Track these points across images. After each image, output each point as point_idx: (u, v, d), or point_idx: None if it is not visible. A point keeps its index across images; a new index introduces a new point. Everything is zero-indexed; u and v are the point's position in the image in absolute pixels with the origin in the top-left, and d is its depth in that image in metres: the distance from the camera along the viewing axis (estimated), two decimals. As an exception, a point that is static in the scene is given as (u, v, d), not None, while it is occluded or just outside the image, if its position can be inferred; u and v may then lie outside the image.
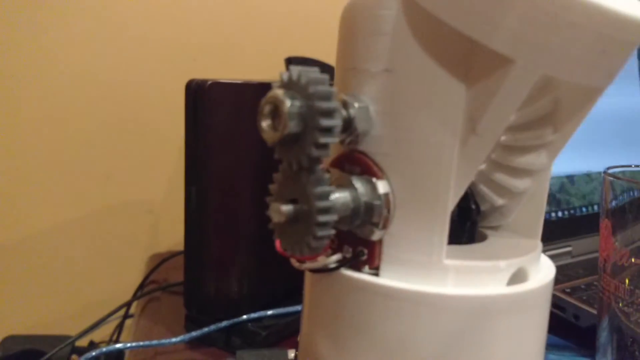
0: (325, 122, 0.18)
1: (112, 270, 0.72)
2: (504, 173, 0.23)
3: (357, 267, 0.22)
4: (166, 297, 0.61)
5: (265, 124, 0.19)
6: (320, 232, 0.19)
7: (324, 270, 0.22)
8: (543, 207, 0.23)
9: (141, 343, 0.49)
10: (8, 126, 0.68)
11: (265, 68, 0.76)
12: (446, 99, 0.19)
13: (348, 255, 0.22)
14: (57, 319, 0.70)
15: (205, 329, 0.51)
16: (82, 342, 0.67)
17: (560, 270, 0.59)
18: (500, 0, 0.17)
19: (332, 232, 0.20)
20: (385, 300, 0.20)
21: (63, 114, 0.70)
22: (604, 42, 0.18)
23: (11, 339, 0.65)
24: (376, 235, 0.21)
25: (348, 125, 0.21)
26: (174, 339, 0.50)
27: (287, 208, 0.20)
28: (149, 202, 0.74)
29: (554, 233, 0.61)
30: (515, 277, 0.21)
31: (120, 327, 0.65)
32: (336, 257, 0.22)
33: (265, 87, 0.53)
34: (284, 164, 0.20)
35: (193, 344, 0.51)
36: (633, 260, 0.41)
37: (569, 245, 0.61)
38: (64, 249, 0.71)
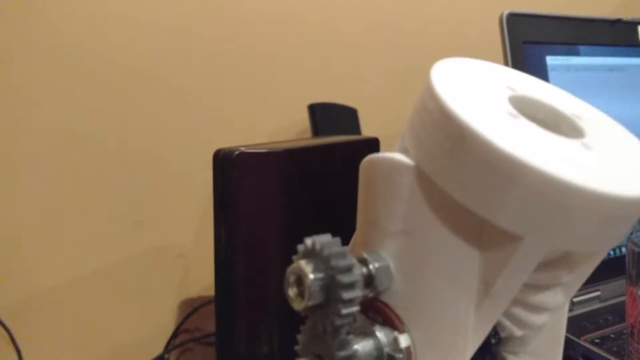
0: (346, 295, 0.19)
1: (144, 318, 0.74)
2: (522, 308, 0.23)
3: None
4: (199, 348, 0.62)
5: (292, 292, 0.20)
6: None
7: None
8: (562, 335, 0.24)
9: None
10: (36, 170, 0.70)
11: (289, 112, 0.77)
12: (461, 262, 0.20)
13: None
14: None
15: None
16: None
17: (588, 317, 0.59)
18: (503, 185, 0.18)
19: None
20: None
21: (92, 160, 0.71)
22: (607, 220, 0.19)
23: (52, 389, 0.67)
24: None
25: (369, 281, 0.22)
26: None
27: None
28: (179, 246, 0.76)
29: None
30: None
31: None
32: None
33: (290, 153, 0.54)
34: (308, 323, 0.21)
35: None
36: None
37: (597, 290, 0.61)
38: (94, 298, 0.73)
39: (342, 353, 0.20)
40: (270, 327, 0.53)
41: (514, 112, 0.21)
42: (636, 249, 0.42)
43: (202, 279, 0.77)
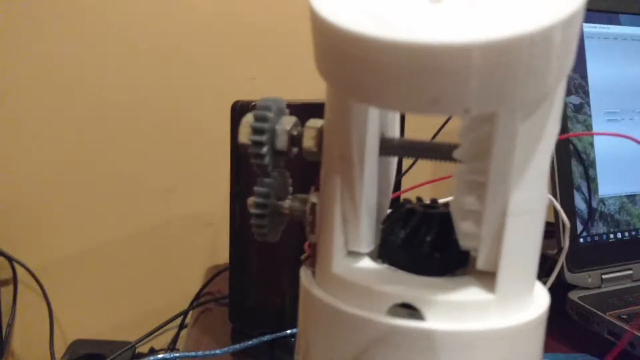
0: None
1: (172, 281, 0.75)
2: (456, 213, 0.22)
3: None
4: (217, 309, 0.63)
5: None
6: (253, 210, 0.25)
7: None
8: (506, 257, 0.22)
9: (187, 353, 0.51)
10: (76, 141, 0.73)
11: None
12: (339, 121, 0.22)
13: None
14: (121, 325, 0.74)
15: (249, 342, 0.52)
16: (144, 349, 0.70)
17: (618, 294, 0.56)
18: (325, 45, 0.19)
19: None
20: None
21: (127, 131, 0.74)
22: (421, 72, 0.17)
23: (78, 342, 0.70)
24: (311, 239, 0.24)
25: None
26: (217, 351, 0.51)
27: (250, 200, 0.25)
28: (209, 215, 0.77)
29: (614, 255, 0.58)
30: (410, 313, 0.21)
31: (177, 336, 0.68)
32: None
33: (306, 107, 0.54)
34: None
35: (237, 355, 0.53)
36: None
37: (630, 269, 0.58)
38: (127, 260, 0.75)
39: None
40: (282, 286, 0.53)
41: None
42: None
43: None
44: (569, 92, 0.57)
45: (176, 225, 0.75)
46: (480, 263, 0.21)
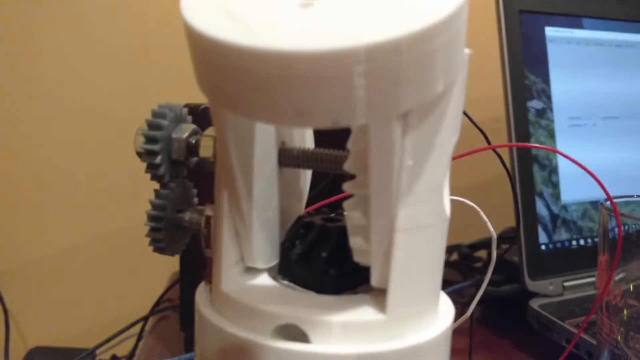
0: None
1: (136, 286, 0.74)
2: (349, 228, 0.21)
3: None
4: (175, 316, 0.62)
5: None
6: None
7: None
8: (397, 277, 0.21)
9: (135, 363, 0.50)
10: (34, 144, 0.71)
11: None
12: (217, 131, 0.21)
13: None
14: (80, 332, 0.73)
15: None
16: (105, 356, 0.69)
17: (580, 302, 0.55)
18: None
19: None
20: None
21: (88, 134, 0.72)
22: (264, 79, 0.16)
23: (37, 350, 0.69)
24: (207, 253, 0.23)
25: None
26: (168, 360, 0.50)
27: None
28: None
29: (576, 262, 0.57)
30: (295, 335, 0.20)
31: (137, 343, 0.67)
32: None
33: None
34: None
35: (189, 365, 0.52)
36: (628, 301, 0.38)
37: (592, 276, 0.57)
38: (89, 265, 0.74)
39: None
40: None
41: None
42: (607, 215, 0.39)
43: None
44: (530, 97, 0.56)
45: (139, 229, 0.74)
46: (374, 280, 0.20)
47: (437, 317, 0.22)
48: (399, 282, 0.20)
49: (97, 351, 0.66)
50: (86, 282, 0.74)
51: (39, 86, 0.71)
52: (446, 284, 0.59)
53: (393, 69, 0.16)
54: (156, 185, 0.82)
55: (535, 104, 0.56)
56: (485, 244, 0.71)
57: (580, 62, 0.60)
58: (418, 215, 0.19)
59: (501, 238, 0.70)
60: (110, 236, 0.74)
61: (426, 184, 0.19)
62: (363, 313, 0.20)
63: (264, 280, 0.22)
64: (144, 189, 0.74)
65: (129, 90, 0.73)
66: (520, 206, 0.55)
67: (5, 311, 0.69)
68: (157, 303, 0.66)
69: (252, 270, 0.22)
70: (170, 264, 0.75)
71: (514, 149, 0.54)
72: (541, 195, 0.56)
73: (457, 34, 0.17)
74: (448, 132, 0.19)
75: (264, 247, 0.22)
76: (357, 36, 0.15)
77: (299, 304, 0.20)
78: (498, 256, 0.67)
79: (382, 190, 0.19)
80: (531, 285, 0.55)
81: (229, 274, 0.21)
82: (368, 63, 0.15)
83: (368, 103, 0.16)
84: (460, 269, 0.69)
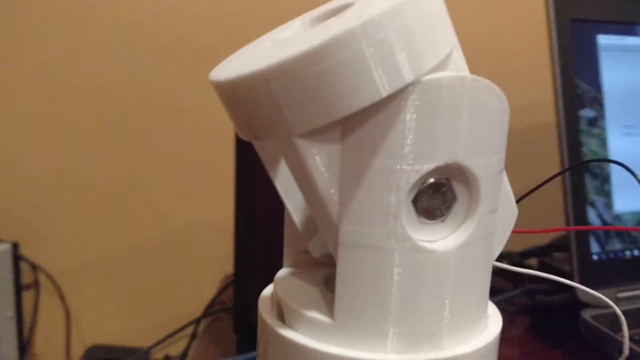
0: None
1: (189, 289, 0.76)
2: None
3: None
4: (227, 318, 0.63)
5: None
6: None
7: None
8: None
9: (190, 363, 0.52)
10: (97, 150, 0.74)
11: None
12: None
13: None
14: (135, 332, 0.76)
15: (253, 353, 0.52)
16: (159, 356, 0.72)
17: (634, 314, 0.54)
18: None
19: None
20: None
21: (145, 138, 0.75)
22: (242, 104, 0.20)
23: (95, 348, 0.72)
24: None
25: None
26: (221, 361, 0.52)
27: None
28: (224, 222, 0.78)
29: (630, 273, 0.56)
30: None
31: (190, 344, 0.69)
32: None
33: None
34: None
35: (241, 366, 0.53)
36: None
37: (647, 287, 0.56)
38: (144, 266, 0.76)
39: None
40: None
41: (278, 38, 0.22)
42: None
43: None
44: (582, 105, 0.56)
45: (193, 231, 0.76)
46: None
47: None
48: (341, 293, 0.21)
49: (152, 350, 0.68)
50: (142, 283, 0.77)
51: (105, 91, 0.74)
52: (495, 292, 0.59)
53: (267, 94, 0.18)
54: (207, 189, 0.83)
55: (587, 113, 0.56)
56: (537, 252, 0.70)
57: (634, 70, 0.59)
58: (362, 235, 0.20)
59: (553, 247, 0.70)
60: (165, 238, 0.77)
61: (369, 206, 0.20)
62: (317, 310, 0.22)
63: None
64: (195, 192, 0.77)
65: (187, 95, 0.75)
66: (571, 215, 0.54)
67: (67, 310, 0.73)
68: (210, 305, 0.68)
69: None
70: (224, 267, 0.77)
71: (565, 156, 0.54)
72: (593, 205, 0.56)
73: (342, 64, 0.18)
74: (388, 155, 0.19)
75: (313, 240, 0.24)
76: (245, 69, 0.19)
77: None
78: (549, 265, 0.67)
79: (309, 202, 0.21)
80: (583, 295, 0.54)
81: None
82: (248, 91, 0.19)
83: (263, 123, 0.19)
84: (510, 277, 0.69)
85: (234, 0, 0.75)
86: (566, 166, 0.54)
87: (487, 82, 0.20)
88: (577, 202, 0.55)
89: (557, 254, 0.69)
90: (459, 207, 0.21)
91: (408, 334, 0.20)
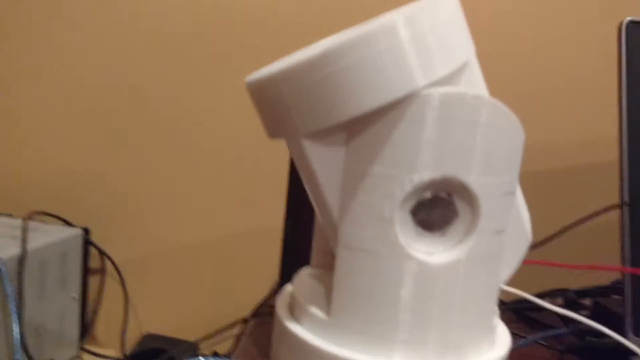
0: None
1: (240, 290, 0.78)
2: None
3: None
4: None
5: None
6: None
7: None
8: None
9: (227, 361, 0.54)
10: (169, 150, 0.77)
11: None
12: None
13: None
14: (186, 324, 0.78)
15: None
16: (206, 351, 0.74)
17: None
18: None
19: None
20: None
21: (216, 140, 0.78)
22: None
23: (149, 336, 0.75)
24: None
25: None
26: (257, 362, 0.53)
27: None
28: (281, 229, 0.79)
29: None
30: None
31: (237, 343, 0.71)
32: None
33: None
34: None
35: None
36: None
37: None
38: (201, 263, 0.79)
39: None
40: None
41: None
42: None
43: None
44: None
45: (251, 235, 0.78)
46: None
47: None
48: (337, 292, 0.21)
49: (200, 345, 0.70)
50: (198, 279, 0.79)
51: (191, 89, 0.77)
52: (543, 327, 0.58)
53: (276, 95, 0.20)
54: (270, 195, 0.84)
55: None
56: (594, 291, 0.68)
57: None
58: (358, 238, 0.20)
59: (611, 288, 0.67)
60: (223, 239, 0.79)
61: (366, 211, 0.20)
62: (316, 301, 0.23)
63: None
64: (259, 198, 0.78)
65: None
66: (627, 254, 0.52)
67: (127, 297, 0.76)
68: (259, 307, 0.69)
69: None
70: (274, 272, 0.78)
71: (625, 191, 0.52)
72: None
73: (341, 72, 0.19)
74: (388, 165, 0.20)
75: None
76: (264, 72, 0.21)
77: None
78: (603, 306, 0.64)
79: (314, 201, 0.22)
80: (635, 341, 0.52)
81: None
82: (262, 92, 0.21)
83: (276, 122, 0.21)
84: (561, 315, 0.66)
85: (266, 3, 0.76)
86: (625, 207, 0.52)
87: (503, 107, 0.20)
88: (637, 242, 0.53)
89: (615, 297, 0.66)
90: (459, 224, 0.21)
91: (404, 341, 0.21)
